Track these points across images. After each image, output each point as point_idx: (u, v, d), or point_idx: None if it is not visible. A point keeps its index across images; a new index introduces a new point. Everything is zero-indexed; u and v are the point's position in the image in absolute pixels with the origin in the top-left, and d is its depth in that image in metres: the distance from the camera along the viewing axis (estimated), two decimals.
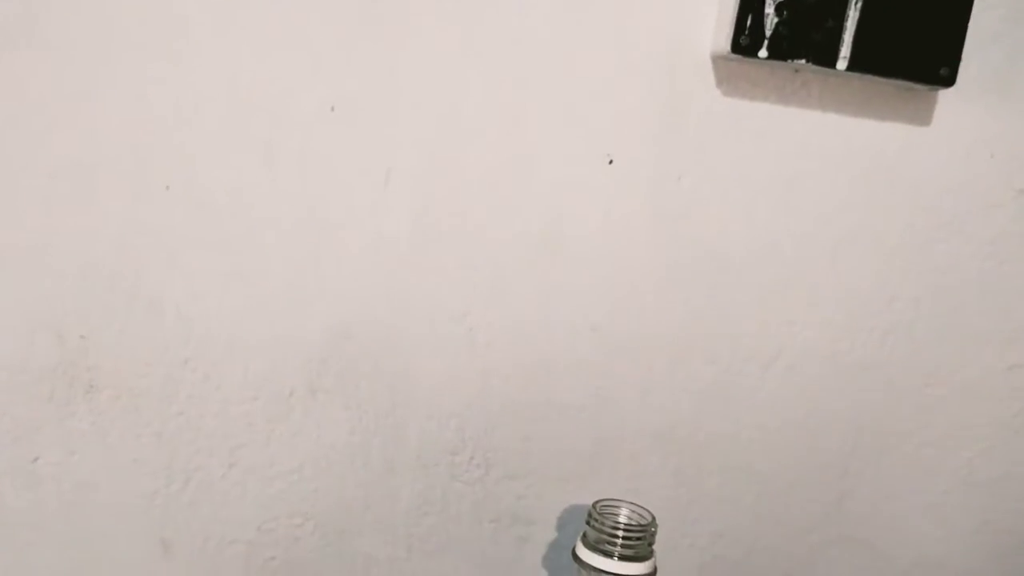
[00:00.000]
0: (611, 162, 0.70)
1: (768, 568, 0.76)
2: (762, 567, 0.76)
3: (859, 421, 0.74)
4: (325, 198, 0.69)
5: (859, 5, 0.64)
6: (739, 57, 0.65)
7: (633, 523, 0.49)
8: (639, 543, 0.49)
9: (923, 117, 0.70)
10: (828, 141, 0.70)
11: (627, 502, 0.50)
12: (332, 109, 0.67)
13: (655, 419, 0.73)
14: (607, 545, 0.49)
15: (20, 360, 0.70)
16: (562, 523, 0.74)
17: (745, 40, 0.64)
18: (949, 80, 0.66)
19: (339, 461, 0.73)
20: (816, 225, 0.71)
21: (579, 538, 0.50)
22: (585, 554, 0.50)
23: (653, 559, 0.50)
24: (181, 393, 0.71)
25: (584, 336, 0.72)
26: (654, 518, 0.50)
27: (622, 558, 0.49)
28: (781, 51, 0.65)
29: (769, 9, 0.64)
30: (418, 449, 0.73)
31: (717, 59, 0.67)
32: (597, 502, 0.50)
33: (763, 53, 0.64)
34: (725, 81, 0.69)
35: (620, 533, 0.49)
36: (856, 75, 0.66)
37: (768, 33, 0.64)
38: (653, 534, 0.50)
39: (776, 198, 0.71)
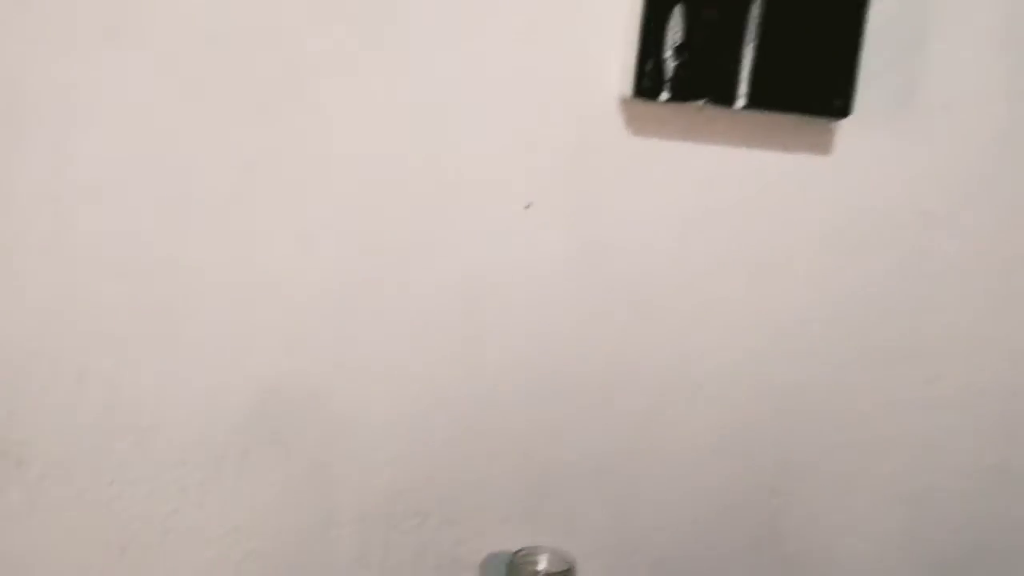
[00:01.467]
0: (528, 207, 0.71)
1: None
2: None
3: (785, 442, 0.76)
4: (247, 261, 0.69)
5: (753, 45, 0.66)
6: (640, 100, 0.67)
7: (552, 571, 0.50)
8: None
9: (825, 146, 0.73)
10: (736, 175, 0.72)
11: (549, 549, 0.51)
12: (253, 170, 0.68)
13: (588, 455, 0.74)
14: None
15: None
16: (502, 564, 0.74)
17: (647, 83, 0.66)
18: (843, 111, 0.68)
19: (275, 520, 0.73)
20: (730, 255, 0.73)
21: None
22: None
23: None
24: (112, 462, 0.71)
25: (514, 377, 0.73)
26: (573, 566, 0.51)
27: None
28: (682, 92, 0.67)
29: (668, 53, 0.66)
30: (354, 502, 0.74)
31: (624, 102, 0.69)
32: (518, 552, 0.51)
33: (665, 95, 0.66)
34: (633, 123, 0.71)
35: None
36: (752, 112, 0.68)
37: (668, 76, 0.66)
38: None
39: (691, 232, 0.73)
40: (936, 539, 0.78)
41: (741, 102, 0.67)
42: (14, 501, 0.71)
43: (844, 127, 0.72)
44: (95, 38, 0.63)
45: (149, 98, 0.65)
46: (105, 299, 0.69)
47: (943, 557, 0.78)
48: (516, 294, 0.72)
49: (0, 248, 0.66)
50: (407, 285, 0.71)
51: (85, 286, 0.68)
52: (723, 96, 0.67)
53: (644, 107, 0.70)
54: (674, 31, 0.65)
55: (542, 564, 0.51)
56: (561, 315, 0.73)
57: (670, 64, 0.66)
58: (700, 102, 0.67)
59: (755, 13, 0.65)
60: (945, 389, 0.75)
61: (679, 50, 0.66)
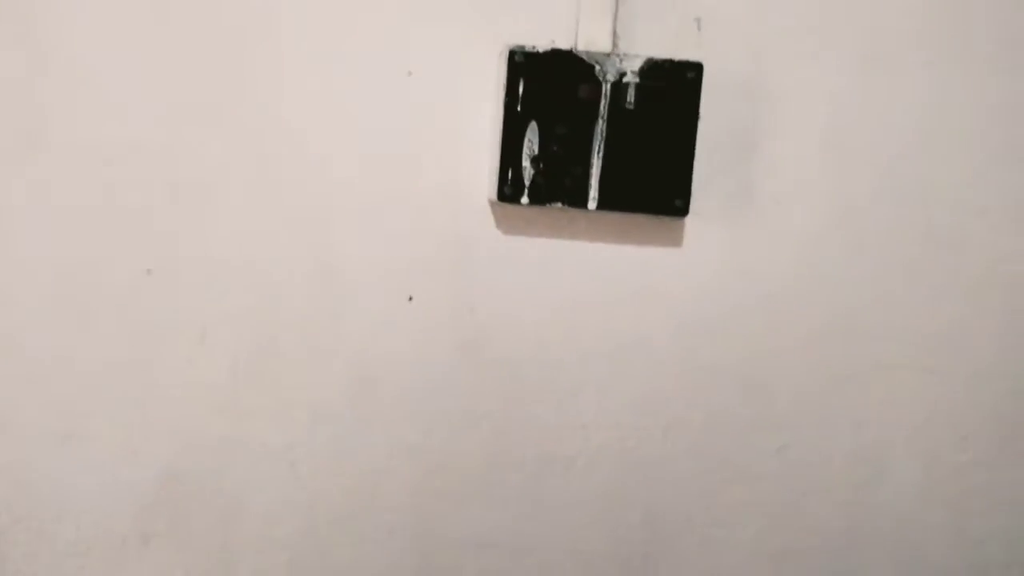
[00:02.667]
0: (411, 299, 0.78)
1: None
2: None
3: (654, 509, 0.82)
4: (144, 359, 0.75)
5: (600, 154, 0.75)
6: (507, 203, 0.75)
7: None
8: None
9: (675, 240, 0.81)
10: (597, 268, 0.80)
11: None
12: (148, 273, 0.74)
13: (473, 529, 0.80)
14: None
15: None
16: None
17: (509, 190, 0.75)
18: (683, 210, 0.77)
19: None
20: (596, 340, 0.81)
21: None
22: None
23: None
24: (16, 552, 0.75)
25: (402, 458, 0.79)
26: None
27: None
28: (540, 197, 0.75)
29: (526, 163, 0.75)
30: None
31: (492, 204, 0.78)
32: None
33: (524, 199, 0.75)
34: (503, 223, 0.79)
35: None
36: (607, 212, 0.77)
37: (527, 183, 0.75)
38: None
39: (559, 319, 0.80)
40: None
41: (593, 204, 0.76)
42: None
43: (691, 222, 0.80)
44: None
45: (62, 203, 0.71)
46: (7, 396, 0.74)
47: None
48: (402, 379, 0.78)
49: None
50: (300, 375, 0.77)
51: None
52: (576, 199, 0.76)
53: (510, 209, 0.78)
54: (530, 143, 0.74)
55: None
56: (444, 397, 0.79)
57: (528, 172, 0.75)
58: (557, 205, 0.75)
59: (600, 127, 0.75)
60: (795, 457, 0.83)
61: (535, 160, 0.75)
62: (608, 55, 0.73)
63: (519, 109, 0.73)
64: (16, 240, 0.72)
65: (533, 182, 0.75)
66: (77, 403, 0.75)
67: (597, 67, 0.73)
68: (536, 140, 0.74)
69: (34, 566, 0.75)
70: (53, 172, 0.72)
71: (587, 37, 0.74)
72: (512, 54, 0.72)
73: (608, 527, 0.82)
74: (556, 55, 0.73)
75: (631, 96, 0.74)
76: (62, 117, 0.72)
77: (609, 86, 0.73)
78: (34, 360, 0.73)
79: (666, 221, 0.80)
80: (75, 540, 0.76)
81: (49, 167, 0.72)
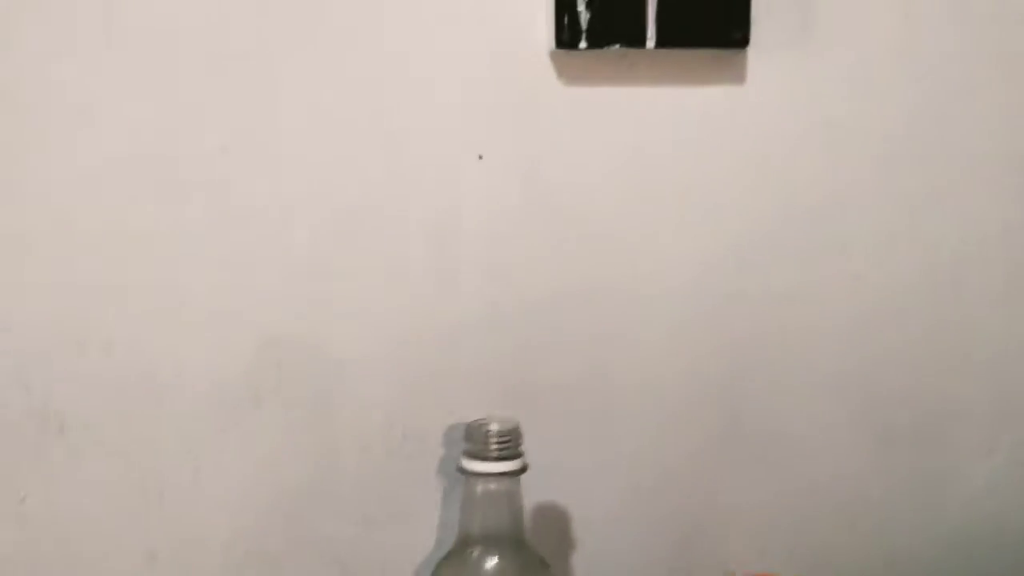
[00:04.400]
0: (481, 158, 0.80)
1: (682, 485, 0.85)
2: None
3: (734, 343, 0.84)
4: (239, 233, 0.79)
5: None
6: (566, 50, 0.76)
7: (503, 430, 0.59)
8: (508, 445, 0.59)
9: (737, 76, 0.81)
10: (660, 111, 0.81)
11: (497, 416, 0.60)
12: (227, 153, 0.78)
13: (550, 375, 0.83)
14: (482, 452, 0.59)
15: None
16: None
17: (566, 36, 0.75)
18: (743, 42, 0.77)
19: (289, 457, 0.82)
20: (662, 185, 0.82)
21: (461, 454, 0.60)
22: (466, 463, 0.60)
23: (523, 457, 0.60)
24: (140, 420, 0.81)
25: (482, 309, 0.82)
26: (518, 424, 0.60)
27: (497, 459, 0.59)
28: (597, 40, 0.76)
29: (581, 7, 0.75)
30: (355, 435, 0.83)
31: (551, 54, 0.78)
32: (472, 421, 0.60)
33: (583, 44, 0.76)
34: (564, 72, 0.80)
35: (492, 440, 0.59)
36: (666, 51, 0.77)
37: (584, 27, 0.75)
38: (519, 436, 0.60)
39: (624, 167, 0.81)
40: (882, 414, 0.85)
41: (651, 43, 0.76)
42: (57, 463, 0.81)
43: (753, 57, 0.80)
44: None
45: (140, 94, 0.76)
46: (121, 277, 0.79)
47: (889, 429, 0.85)
48: (478, 234, 0.81)
49: (23, 236, 0.77)
50: (380, 235, 0.80)
51: (102, 267, 0.78)
52: (635, 39, 0.76)
53: (569, 57, 0.79)
54: None
55: (493, 427, 0.60)
56: (519, 251, 0.82)
57: (584, 16, 0.75)
58: (615, 47, 0.76)
59: None
60: (869, 282, 0.83)
61: (590, 3, 0.75)
62: None
63: None
64: (101, 124, 0.76)
65: (590, 26, 0.75)
66: (182, 279, 0.79)
67: None
68: None
69: (157, 431, 0.81)
70: (127, 56, 0.75)
71: None
72: None
73: (688, 364, 0.84)
74: None
75: None
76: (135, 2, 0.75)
77: None
78: (133, 238, 0.78)
79: (727, 56, 0.80)
80: (192, 405, 0.81)
81: (123, 51, 0.75)
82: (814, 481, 0.86)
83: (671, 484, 0.86)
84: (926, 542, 0.88)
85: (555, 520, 0.82)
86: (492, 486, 0.59)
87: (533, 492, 0.75)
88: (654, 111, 0.80)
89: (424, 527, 0.84)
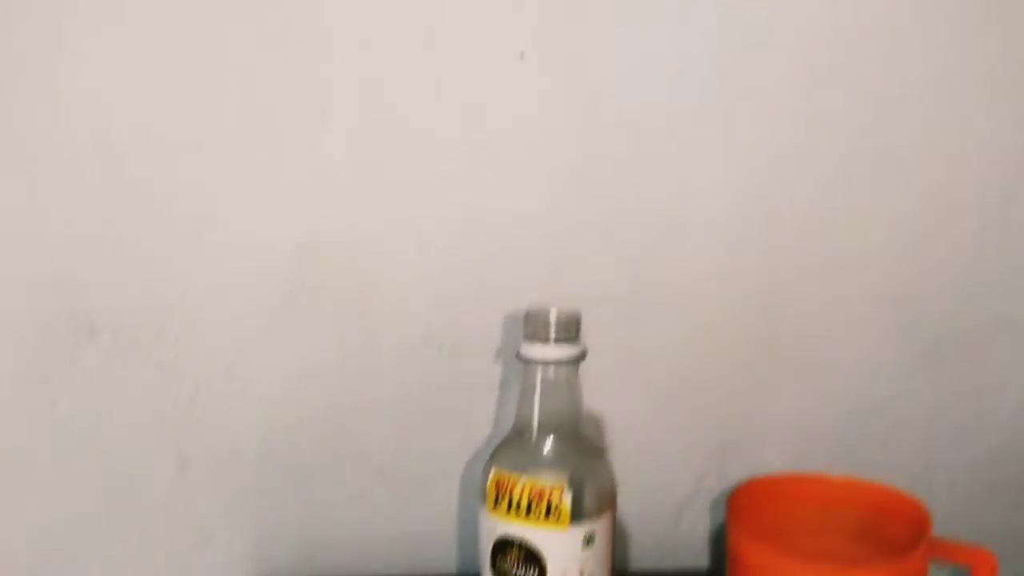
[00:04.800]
0: (522, 56, 0.79)
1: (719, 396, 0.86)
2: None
3: (775, 260, 0.83)
4: (267, 134, 0.77)
5: None
6: None
7: (562, 315, 0.59)
8: (568, 331, 0.59)
9: None
10: (706, 14, 0.79)
11: (554, 306, 0.59)
12: (261, 48, 0.77)
13: (594, 285, 0.82)
14: (542, 337, 0.59)
15: (27, 314, 0.79)
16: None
17: None
18: None
19: (325, 365, 0.81)
20: (708, 93, 0.81)
21: (522, 340, 0.59)
22: (526, 349, 0.59)
23: (582, 343, 0.60)
24: (174, 323, 0.80)
25: (519, 217, 0.81)
26: (579, 312, 0.59)
27: (556, 343, 0.58)
28: None
29: None
30: (393, 340, 0.82)
31: None
32: (531, 308, 0.60)
33: None
34: None
35: (552, 325, 0.59)
36: None
37: None
38: (579, 323, 0.60)
39: (670, 73, 0.80)
40: (924, 331, 0.85)
41: None
42: (89, 366, 0.80)
43: None
44: None
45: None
46: (154, 183, 0.78)
47: (931, 346, 0.86)
48: (517, 139, 0.80)
49: (58, 139, 0.75)
50: (414, 140, 0.79)
51: (137, 171, 0.77)
52: None
53: None
54: None
55: (552, 313, 0.59)
56: (561, 161, 0.81)
57: None
58: None
59: None
60: (917, 199, 0.83)
61: None
62: None
63: None
64: (135, 25, 0.74)
65: None
66: (211, 185, 0.78)
67: None
68: None
69: (191, 335, 0.80)
70: None
71: None
72: None
73: (730, 281, 0.84)
74: None
75: None
76: None
77: None
78: (169, 142, 0.76)
79: None
80: (225, 309, 0.80)
81: None
82: (853, 396, 0.86)
83: (708, 395, 0.86)
84: (966, 457, 0.88)
85: (592, 428, 0.82)
86: (551, 372, 0.59)
87: None
88: (700, 14, 0.79)
89: (460, 431, 0.84)
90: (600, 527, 0.59)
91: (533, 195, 0.81)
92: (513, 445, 0.61)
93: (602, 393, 0.80)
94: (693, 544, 0.89)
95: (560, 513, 0.57)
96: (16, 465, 0.81)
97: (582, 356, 0.60)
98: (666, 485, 0.87)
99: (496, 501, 0.59)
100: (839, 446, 0.87)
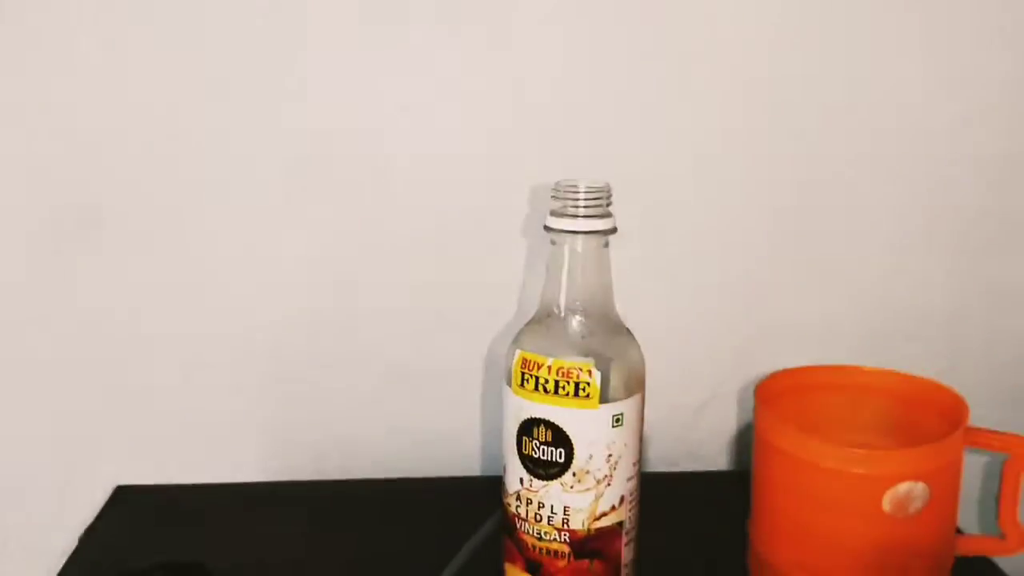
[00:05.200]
0: None
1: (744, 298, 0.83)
2: None
3: (798, 149, 0.80)
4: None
5: None
6: None
7: (593, 187, 0.56)
8: (598, 203, 0.56)
9: None
10: None
11: (585, 178, 0.57)
12: None
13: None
14: (571, 209, 0.56)
15: (34, 205, 0.76)
16: None
17: None
18: None
19: (335, 250, 0.79)
20: None
21: (549, 214, 0.57)
22: (553, 222, 0.56)
23: (612, 218, 0.57)
24: (184, 213, 0.78)
25: (548, 99, 0.78)
26: (609, 184, 0.56)
27: (585, 218, 0.56)
28: None
29: None
30: (405, 232, 0.79)
31: None
32: (560, 179, 0.57)
33: None
34: None
35: (581, 197, 0.56)
36: None
37: None
38: (609, 195, 0.57)
39: None
40: (954, 226, 0.83)
41: None
42: (96, 261, 0.78)
43: None
44: None
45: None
46: (159, 71, 0.75)
47: (961, 241, 0.83)
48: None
49: (71, 25, 0.72)
50: None
51: (149, 53, 0.74)
52: None
53: None
54: None
55: (581, 185, 0.56)
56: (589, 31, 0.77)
57: None
58: None
59: None
60: (949, 90, 0.79)
61: None
62: None
63: None
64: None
65: None
66: (219, 59, 0.75)
67: None
68: None
69: (201, 224, 0.78)
70: None
71: None
72: None
73: (753, 174, 0.81)
74: None
75: None
76: None
77: None
78: (180, 26, 0.73)
79: None
80: (237, 198, 0.77)
81: None
82: (882, 293, 0.85)
83: (732, 296, 0.84)
84: (992, 350, 0.86)
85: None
86: (580, 246, 0.56)
87: None
88: None
89: (485, 317, 0.81)
90: (629, 408, 0.57)
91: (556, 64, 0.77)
92: (540, 325, 0.58)
93: (628, 300, 0.78)
94: (713, 445, 0.88)
95: (590, 392, 0.55)
96: (30, 357, 0.79)
97: (612, 230, 0.57)
98: (688, 385, 0.86)
99: (522, 382, 0.56)
100: (864, 344, 0.85)
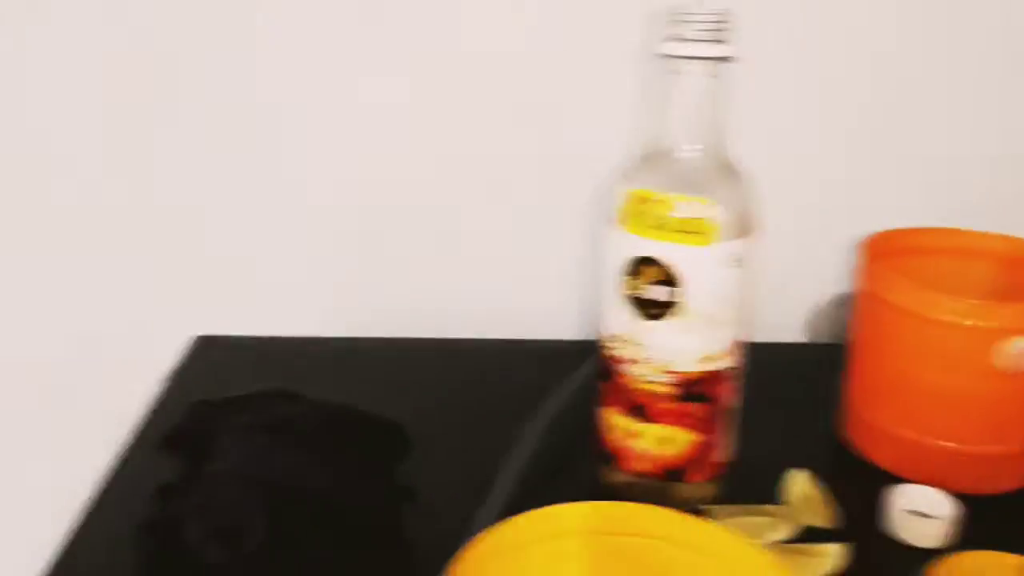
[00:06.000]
0: None
1: None
2: None
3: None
4: None
5: None
6: None
7: (712, 12, 0.52)
8: (718, 29, 0.52)
9: None
10: None
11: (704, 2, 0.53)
12: None
13: None
14: (688, 33, 0.52)
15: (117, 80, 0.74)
16: None
17: None
18: None
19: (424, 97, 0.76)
20: None
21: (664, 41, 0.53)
22: (670, 47, 0.53)
23: (730, 45, 0.53)
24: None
25: None
26: (728, 9, 0.53)
27: (703, 42, 0.52)
28: None
29: None
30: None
31: None
32: (675, 4, 0.53)
33: None
34: None
35: (699, 22, 0.52)
36: None
37: None
38: (729, 22, 0.53)
39: None
40: None
41: None
42: (179, 122, 0.75)
43: None
44: None
45: None
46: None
47: None
48: None
49: None
50: None
51: None
52: None
53: None
54: None
55: (701, 8, 0.53)
56: None
57: None
58: None
59: None
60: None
61: None
62: None
63: None
64: None
65: None
66: None
67: None
68: None
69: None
70: None
71: None
72: None
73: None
74: None
75: None
76: None
77: None
78: None
79: None
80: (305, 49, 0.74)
81: None
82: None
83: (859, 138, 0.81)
84: None
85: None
86: (696, 73, 0.53)
87: None
88: None
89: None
90: (744, 249, 0.55)
91: None
92: (652, 159, 0.55)
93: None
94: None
95: (706, 229, 0.53)
96: (115, 204, 0.78)
97: (730, 58, 0.53)
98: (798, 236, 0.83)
99: (632, 218, 0.54)
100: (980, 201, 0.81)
